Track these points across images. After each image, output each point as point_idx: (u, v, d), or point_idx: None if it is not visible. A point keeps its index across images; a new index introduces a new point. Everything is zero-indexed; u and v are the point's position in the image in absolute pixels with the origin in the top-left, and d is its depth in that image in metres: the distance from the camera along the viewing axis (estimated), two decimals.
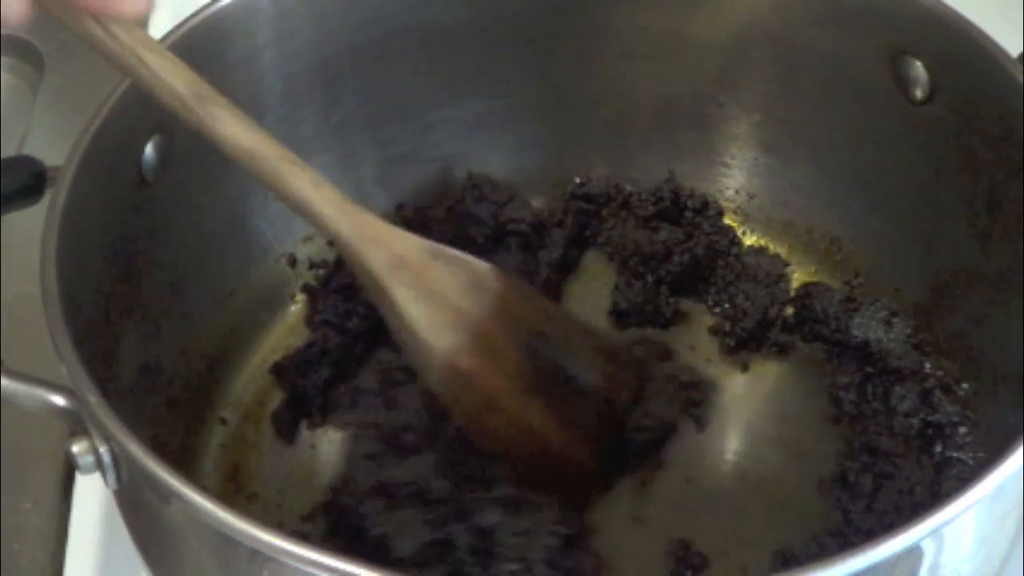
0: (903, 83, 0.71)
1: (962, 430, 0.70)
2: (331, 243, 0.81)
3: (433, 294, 0.61)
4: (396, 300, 0.60)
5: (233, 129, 0.58)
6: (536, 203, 0.83)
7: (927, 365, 0.72)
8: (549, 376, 0.65)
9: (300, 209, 0.60)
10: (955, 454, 0.69)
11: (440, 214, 0.80)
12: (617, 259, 0.80)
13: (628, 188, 0.82)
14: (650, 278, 0.78)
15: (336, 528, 0.67)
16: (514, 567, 0.62)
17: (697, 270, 0.78)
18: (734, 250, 0.79)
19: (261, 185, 0.59)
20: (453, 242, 0.77)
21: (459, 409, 0.64)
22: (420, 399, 0.69)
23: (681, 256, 0.77)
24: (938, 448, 0.69)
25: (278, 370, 0.75)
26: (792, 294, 0.77)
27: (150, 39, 0.56)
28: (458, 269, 0.63)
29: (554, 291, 0.79)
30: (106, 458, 0.55)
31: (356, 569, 0.47)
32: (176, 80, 0.57)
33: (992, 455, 0.51)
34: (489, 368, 0.63)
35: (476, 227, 0.78)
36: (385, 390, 0.71)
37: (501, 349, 0.63)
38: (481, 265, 0.64)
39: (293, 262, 0.80)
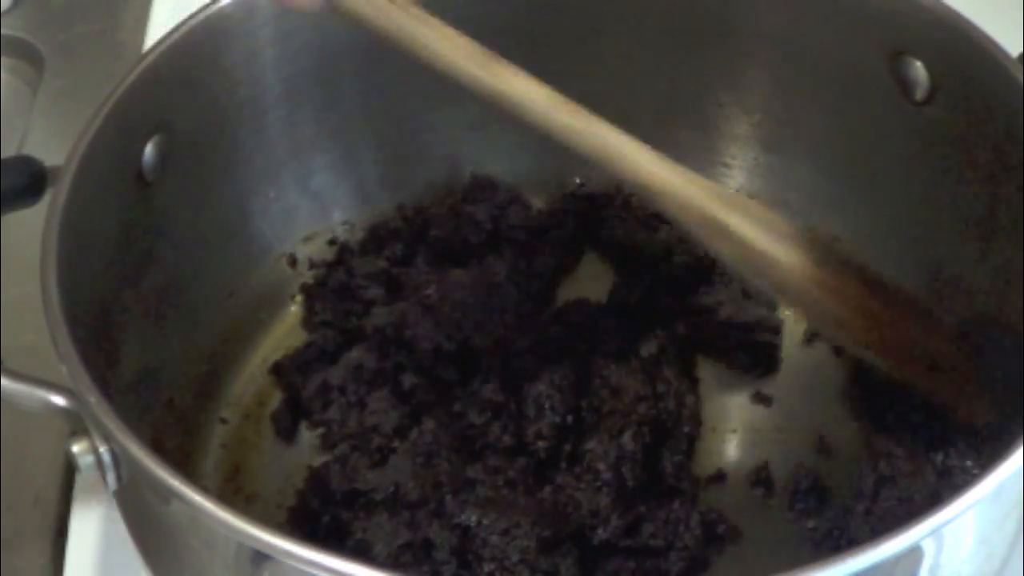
0: (903, 83, 0.71)
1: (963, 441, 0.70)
2: (332, 242, 0.81)
3: (762, 222, 0.64)
4: (737, 228, 0.63)
5: (525, 85, 0.62)
6: (536, 203, 0.83)
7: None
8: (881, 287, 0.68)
9: (607, 157, 0.63)
10: (956, 462, 0.69)
11: (439, 213, 0.80)
12: (616, 259, 0.80)
13: (628, 189, 0.82)
14: (648, 278, 0.78)
15: (311, 532, 0.67)
16: (491, 567, 0.62)
17: (697, 271, 0.78)
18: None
19: (562, 138, 0.63)
20: (449, 243, 0.78)
21: (832, 325, 0.67)
22: (389, 400, 0.70)
23: (681, 257, 0.77)
24: (940, 457, 0.69)
25: (278, 370, 0.75)
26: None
27: (422, 10, 0.60)
28: (760, 207, 0.67)
29: (550, 295, 0.79)
30: (106, 458, 0.55)
31: (356, 569, 0.47)
32: (462, 42, 0.61)
33: (991, 456, 0.51)
34: (840, 277, 0.65)
35: (473, 230, 0.78)
36: (356, 390, 0.72)
37: (837, 264, 0.66)
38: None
39: (293, 262, 0.80)
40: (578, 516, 0.64)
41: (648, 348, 0.74)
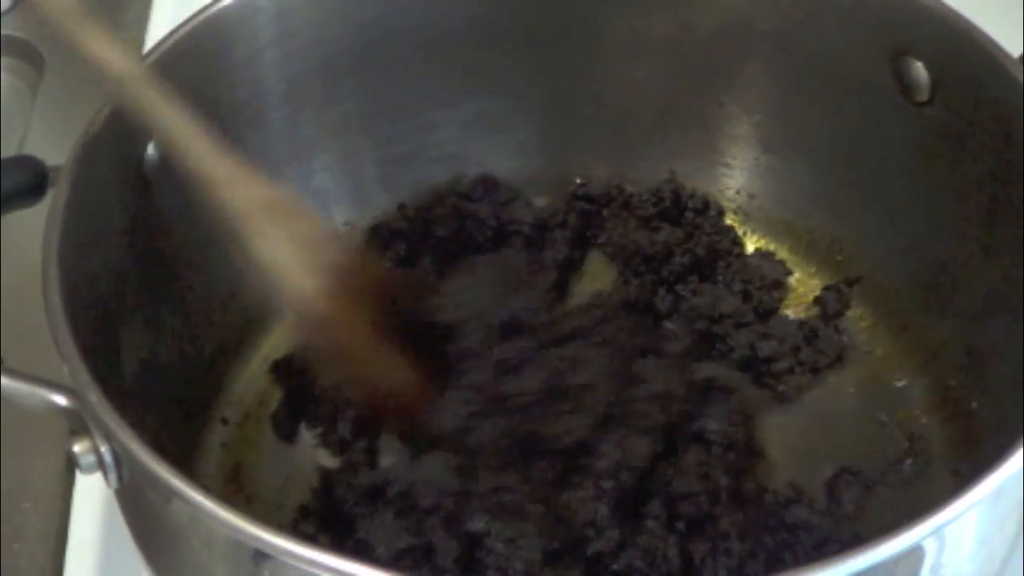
0: (904, 84, 0.71)
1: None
2: None
3: (296, 237, 0.63)
4: (262, 242, 0.62)
5: (105, 51, 0.59)
6: (538, 203, 0.83)
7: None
8: (397, 331, 0.67)
9: (167, 144, 0.62)
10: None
11: (442, 213, 0.80)
12: (619, 259, 0.80)
13: (629, 188, 0.83)
14: (650, 278, 0.78)
15: (323, 528, 0.67)
16: None
17: (698, 270, 0.78)
18: (736, 251, 0.79)
19: (131, 114, 0.61)
20: (455, 240, 0.78)
21: (318, 351, 0.67)
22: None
23: (682, 257, 0.78)
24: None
25: (277, 369, 0.75)
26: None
27: None
28: (313, 218, 0.65)
29: (563, 290, 0.79)
30: (107, 458, 0.55)
31: (357, 569, 0.47)
32: None
33: (991, 456, 0.51)
34: (348, 313, 0.65)
35: (478, 227, 0.79)
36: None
37: (357, 298, 0.65)
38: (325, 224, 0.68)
39: None
40: (579, 526, 0.64)
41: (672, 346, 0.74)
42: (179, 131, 0.61)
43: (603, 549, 0.63)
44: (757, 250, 0.81)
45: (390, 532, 0.63)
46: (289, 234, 0.62)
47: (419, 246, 0.79)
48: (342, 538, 0.65)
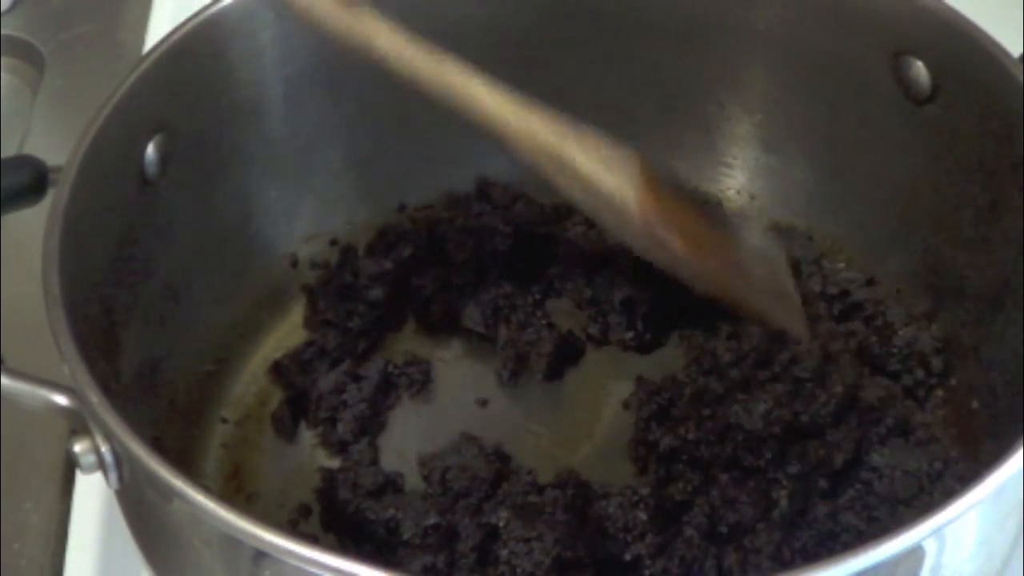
0: (904, 83, 0.71)
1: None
2: (334, 242, 0.81)
3: (605, 158, 0.67)
4: (582, 164, 0.66)
5: (383, 30, 0.65)
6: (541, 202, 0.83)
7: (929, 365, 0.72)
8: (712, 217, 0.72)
9: (458, 98, 0.66)
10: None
11: (443, 214, 0.80)
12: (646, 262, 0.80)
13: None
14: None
15: (331, 519, 0.67)
16: (504, 570, 0.62)
17: None
18: None
19: (417, 81, 0.66)
20: (476, 258, 0.77)
21: (663, 257, 0.69)
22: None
23: None
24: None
25: (278, 370, 0.75)
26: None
27: None
28: (607, 140, 0.68)
29: None
30: (108, 457, 0.55)
31: (357, 569, 0.47)
32: None
33: (992, 456, 0.51)
34: (677, 213, 0.68)
35: (497, 238, 0.78)
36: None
37: (672, 201, 0.69)
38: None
39: (294, 262, 0.80)
40: (612, 532, 0.64)
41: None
42: (467, 84, 0.66)
43: (640, 553, 0.63)
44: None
45: (417, 511, 0.64)
46: (600, 155, 0.67)
47: (426, 253, 0.79)
48: (346, 536, 0.65)
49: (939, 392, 0.72)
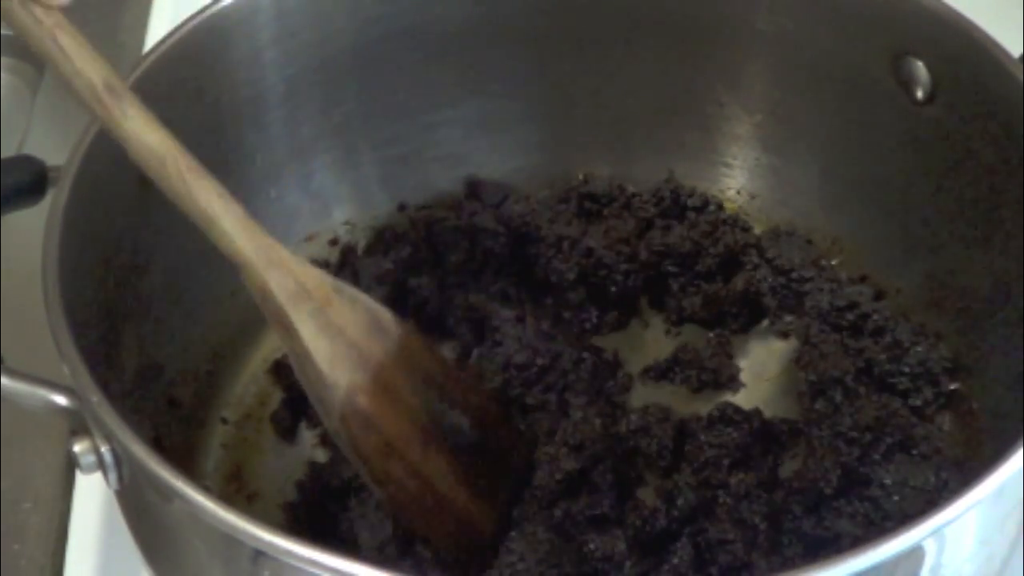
0: (905, 83, 0.71)
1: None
2: (333, 243, 0.81)
3: (335, 328, 0.59)
4: (299, 330, 0.57)
5: (141, 127, 0.55)
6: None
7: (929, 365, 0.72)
8: (445, 429, 0.63)
9: (203, 223, 0.57)
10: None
11: (441, 214, 0.80)
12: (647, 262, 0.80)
13: (630, 189, 0.82)
14: (681, 279, 0.78)
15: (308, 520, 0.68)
16: None
17: (730, 262, 0.78)
18: (751, 239, 0.79)
19: (166, 192, 0.57)
20: (470, 259, 0.77)
21: (359, 454, 0.61)
22: None
23: (716, 247, 0.78)
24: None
25: (277, 369, 0.75)
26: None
27: (69, 26, 0.55)
28: (359, 308, 0.61)
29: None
30: (108, 458, 0.55)
31: (357, 569, 0.47)
32: (91, 69, 0.55)
33: (992, 456, 0.51)
34: (389, 411, 0.61)
35: (491, 238, 0.78)
36: None
37: (401, 394, 0.62)
38: (381, 309, 0.62)
39: None
40: (596, 560, 0.64)
41: None
42: (214, 210, 0.57)
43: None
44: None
45: (375, 519, 0.64)
46: (329, 324, 0.59)
47: (424, 253, 0.79)
48: (324, 532, 0.65)
49: (944, 404, 0.72)
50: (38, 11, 0.54)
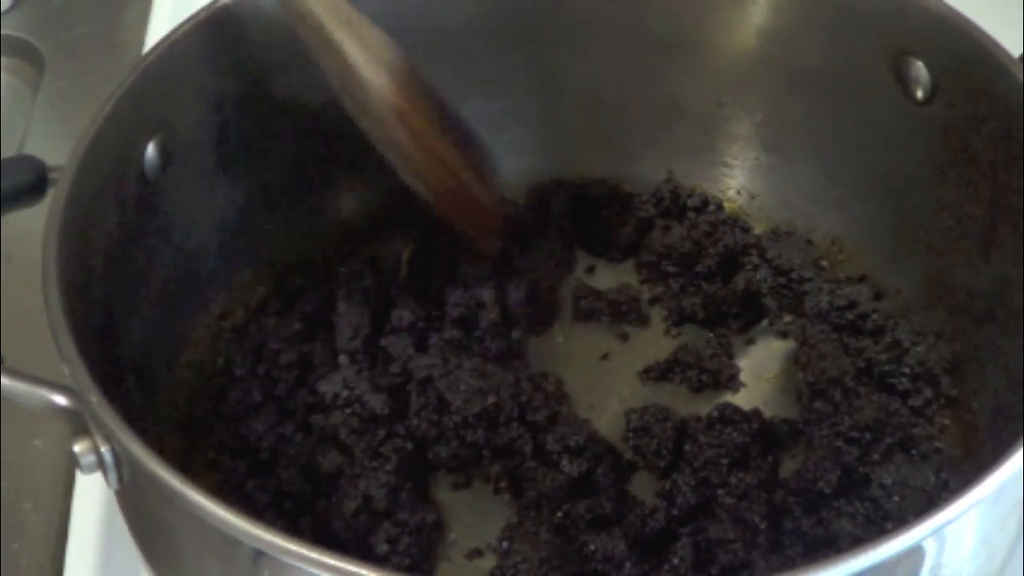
0: (905, 83, 0.71)
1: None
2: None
3: (365, 38, 0.68)
4: (338, 41, 0.67)
5: None
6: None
7: (929, 365, 0.72)
8: (455, 128, 0.73)
9: None
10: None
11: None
12: (647, 263, 0.80)
13: (629, 189, 0.83)
14: (681, 279, 0.78)
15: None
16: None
17: (730, 262, 0.78)
18: (751, 240, 0.79)
19: None
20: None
21: (389, 143, 0.71)
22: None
23: (716, 248, 0.78)
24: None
25: None
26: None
27: None
28: (374, 29, 0.69)
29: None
30: (108, 458, 0.55)
31: (357, 568, 0.47)
32: None
33: (992, 456, 0.51)
34: (414, 107, 0.70)
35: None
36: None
37: (420, 95, 0.70)
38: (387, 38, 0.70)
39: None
40: (595, 561, 0.64)
41: None
42: None
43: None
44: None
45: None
46: (358, 34, 0.68)
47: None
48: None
49: (944, 405, 0.72)
50: None
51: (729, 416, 0.69)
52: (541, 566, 0.63)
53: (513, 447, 0.68)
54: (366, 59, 0.68)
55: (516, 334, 0.75)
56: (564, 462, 0.66)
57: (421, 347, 0.73)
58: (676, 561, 0.63)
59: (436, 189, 0.72)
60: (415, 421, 0.69)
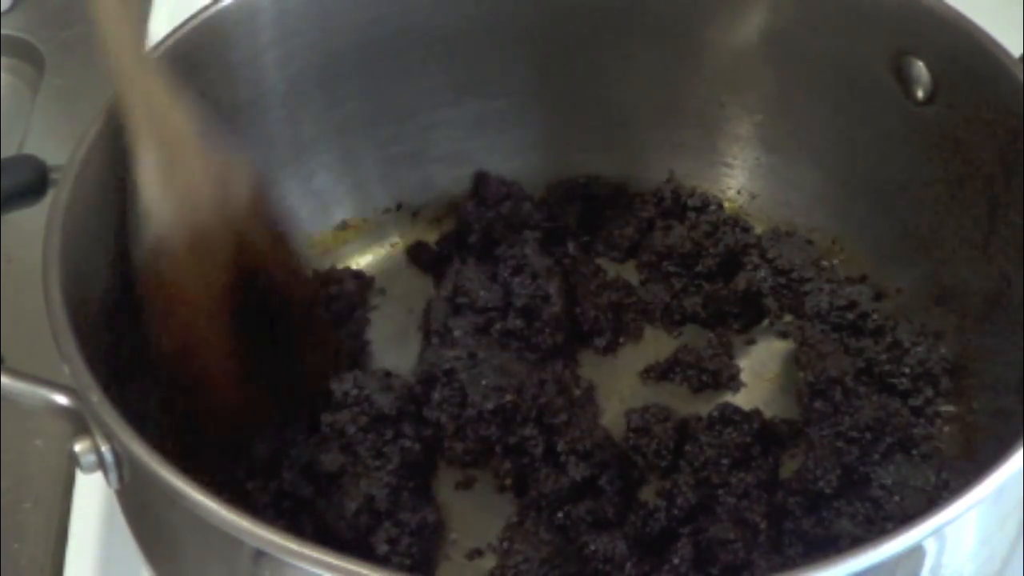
0: (905, 83, 0.71)
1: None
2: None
3: (178, 170, 0.59)
4: (141, 157, 0.59)
5: None
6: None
7: (929, 365, 0.72)
8: (249, 307, 0.63)
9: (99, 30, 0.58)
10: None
11: (440, 213, 0.80)
12: (648, 263, 0.80)
13: (631, 189, 0.83)
14: (682, 279, 0.78)
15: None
16: None
17: (730, 262, 0.78)
18: (751, 240, 0.79)
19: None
20: (487, 251, 0.77)
21: (154, 293, 0.62)
22: None
23: (716, 248, 0.78)
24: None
25: None
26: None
27: None
28: (212, 158, 0.61)
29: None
30: (108, 457, 0.55)
31: (359, 568, 0.47)
32: None
33: (992, 456, 0.51)
34: (196, 266, 0.61)
35: (503, 227, 0.79)
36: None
37: (216, 254, 0.61)
38: (238, 162, 0.62)
39: None
40: (596, 561, 0.64)
41: None
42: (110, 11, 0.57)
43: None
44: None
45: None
46: (171, 160, 0.59)
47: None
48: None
49: (945, 405, 0.72)
50: None
51: (729, 416, 0.69)
52: (541, 566, 0.63)
53: (524, 446, 0.68)
54: (173, 198, 0.58)
55: (600, 341, 0.76)
56: (570, 464, 0.66)
57: (485, 330, 0.73)
58: (676, 561, 0.63)
59: (172, 354, 0.63)
60: (435, 413, 0.69)
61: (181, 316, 0.61)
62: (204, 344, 0.62)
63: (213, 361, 0.63)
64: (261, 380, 0.64)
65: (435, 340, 0.73)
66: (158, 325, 0.61)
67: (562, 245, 0.80)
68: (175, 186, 0.59)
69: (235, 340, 0.62)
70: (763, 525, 0.64)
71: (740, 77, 0.79)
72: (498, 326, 0.73)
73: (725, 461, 0.67)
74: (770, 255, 0.77)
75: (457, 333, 0.72)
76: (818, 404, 0.70)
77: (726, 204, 0.82)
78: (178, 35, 0.69)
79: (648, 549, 0.65)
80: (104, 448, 0.55)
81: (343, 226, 0.82)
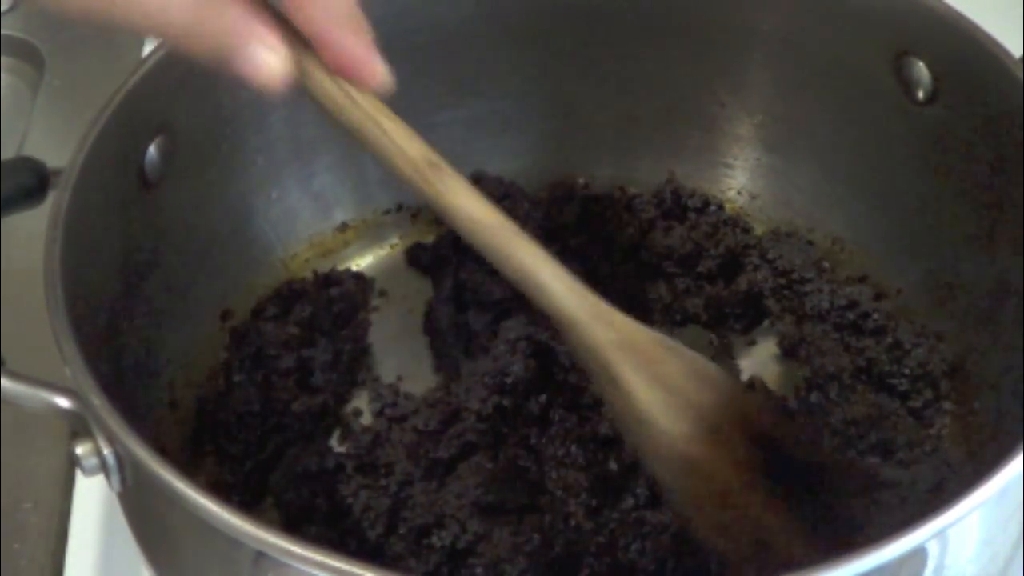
0: (905, 83, 0.71)
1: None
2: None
3: (662, 379, 0.59)
4: (626, 382, 0.58)
5: (464, 199, 0.57)
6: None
7: (930, 367, 0.72)
8: (776, 475, 0.61)
9: (524, 281, 0.57)
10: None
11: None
12: (648, 263, 0.80)
13: (631, 190, 0.83)
14: (683, 280, 0.78)
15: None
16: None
17: (731, 263, 0.78)
18: (752, 240, 0.79)
19: (487, 256, 0.57)
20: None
21: (683, 499, 0.61)
22: None
23: (717, 248, 0.78)
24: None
25: None
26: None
27: (383, 106, 0.57)
28: (683, 358, 0.61)
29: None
30: (110, 460, 0.55)
31: (359, 570, 0.47)
32: (411, 147, 0.57)
33: (994, 457, 0.51)
34: (719, 458, 0.60)
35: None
36: None
37: (730, 441, 0.61)
38: (705, 361, 0.62)
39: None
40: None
41: None
42: (536, 268, 0.57)
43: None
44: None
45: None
46: (655, 374, 0.59)
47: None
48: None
49: (945, 406, 0.72)
50: (353, 92, 0.55)
51: None
52: (493, 481, 0.64)
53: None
54: (664, 404, 0.59)
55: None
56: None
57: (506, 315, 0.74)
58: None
59: (730, 548, 0.61)
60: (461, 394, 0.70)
61: (723, 506, 0.60)
62: (751, 515, 0.61)
63: (763, 530, 0.61)
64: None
65: (450, 339, 0.74)
66: (705, 528, 0.61)
67: (562, 245, 0.80)
68: (665, 392, 0.59)
69: (768, 503, 0.61)
70: None
71: (741, 78, 0.79)
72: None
73: None
74: (770, 256, 0.77)
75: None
76: (813, 397, 0.70)
77: (726, 205, 0.82)
78: None
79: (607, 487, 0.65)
80: (106, 451, 0.55)
81: (343, 227, 0.82)
